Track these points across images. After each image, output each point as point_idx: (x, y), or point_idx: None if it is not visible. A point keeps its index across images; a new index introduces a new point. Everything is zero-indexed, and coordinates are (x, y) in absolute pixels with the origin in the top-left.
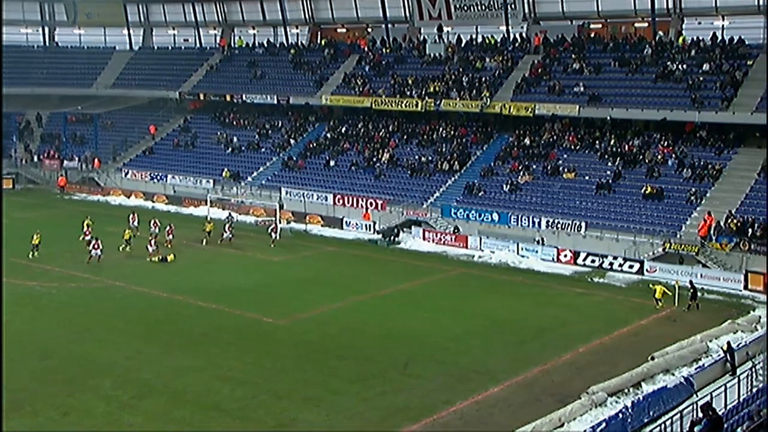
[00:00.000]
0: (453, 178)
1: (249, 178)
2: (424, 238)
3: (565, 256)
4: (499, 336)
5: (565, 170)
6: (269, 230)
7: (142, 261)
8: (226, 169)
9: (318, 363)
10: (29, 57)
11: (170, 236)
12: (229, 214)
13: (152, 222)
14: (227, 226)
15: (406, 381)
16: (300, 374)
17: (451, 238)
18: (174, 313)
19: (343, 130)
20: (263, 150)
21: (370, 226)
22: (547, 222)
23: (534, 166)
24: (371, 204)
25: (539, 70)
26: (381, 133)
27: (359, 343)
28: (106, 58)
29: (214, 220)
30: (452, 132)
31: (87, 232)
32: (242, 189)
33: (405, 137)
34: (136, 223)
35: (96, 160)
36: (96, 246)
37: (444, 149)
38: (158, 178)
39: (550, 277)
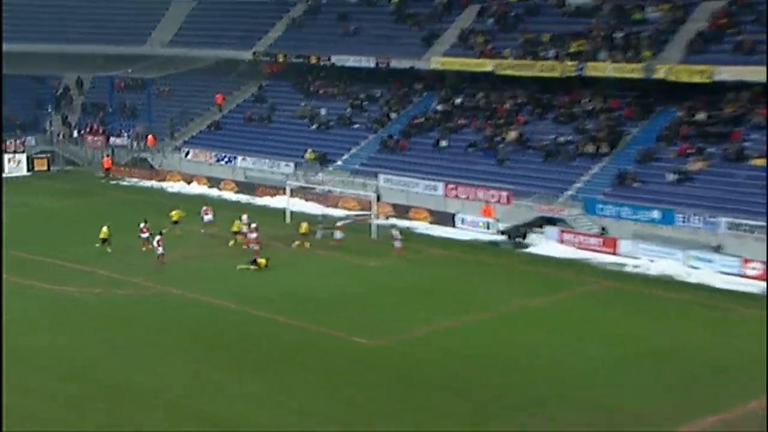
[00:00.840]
0: (600, 165)
1: (338, 162)
2: (560, 241)
3: (754, 268)
4: (659, 372)
5: (754, 155)
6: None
7: (204, 263)
8: (309, 150)
9: (422, 398)
10: (67, 8)
11: (255, 234)
12: (323, 216)
13: (243, 219)
14: (320, 226)
15: (537, 425)
16: (399, 412)
17: (597, 242)
18: (243, 329)
19: (458, 101)
20: (356, 126)
21: (490, 224)
22: (728, 223)
23: (710, 150)
24: (492, 196)
25: (721, 22)
26: (506, 106)
27: (476, 374)
28: (161, 10)
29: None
30: (600, 104)
31: (144, 229)
32: (330, 175)
33: (537, 111)
34: (210, 216)
35: (149, 137)
36: (159, 243)
37: (589, 126)
38: (226, 159)
39: (732, 295)
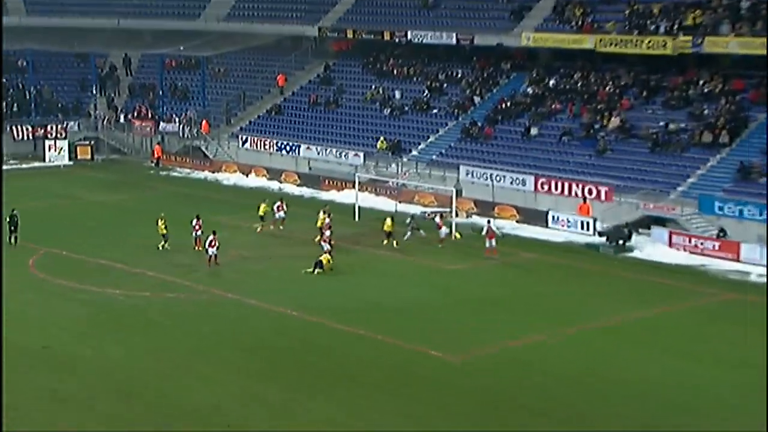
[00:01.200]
0: (719, 156)
1: (414, 152)
2: (670, 245)
3: None
4: None
5: None
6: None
7: (265, 266)
8: (382, 138)
9: (512, 423)
10: None
11: (328, 231)
12: (413, 216)
13: (323, 213)
14: (410, 227)
15: None
16: None
17: (714, 246)
18: (307, 341)
19: (552, 83)
20: (435, 111)
21: (588, 224)
22: None
23: None
24: (591, 192)
25: None
26: (608, 89)
27: (569, 396)
28: None
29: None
30: (720, 86)
31: (196, 226)
32: (405, 167)
33: (644, 94)
34: (282, 214)
35: (203, 123)
36: (213, 243)
37: (705, 112)
38: (288, 148)
39: None
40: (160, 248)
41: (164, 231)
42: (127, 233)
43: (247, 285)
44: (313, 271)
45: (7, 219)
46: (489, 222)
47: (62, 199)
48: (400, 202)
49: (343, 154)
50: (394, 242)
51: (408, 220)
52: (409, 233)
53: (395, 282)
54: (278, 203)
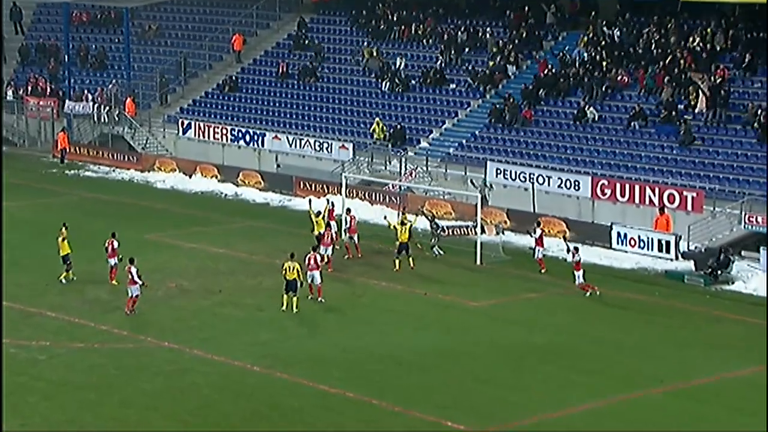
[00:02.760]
0: None
1: (424, 143)
2: None
3: None
4: None
5: None
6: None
7: (210, 303)
8: (378, 122)
9: None
10: None
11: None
12: (433, 220)
13: (327, 209)
14: (435, 239)
15: None
16: None
17: None
18: (272, 404)
19: (617, 45)
20: (453, 86)
21: (668, 243)
22: None
23: None
24: (672, 199)
25: None
26: (696, 48)
27: None
28: None
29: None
30: None
31: (111, 250)
32: (410, 164)
33: (747, 60)
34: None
35: (128, 102)
36: (130, 277)
37: None
38: (247, 138)
39: None
40: (63, 280)
41: (67, 251)
42: (19, 257)
43: (190, 329)
44: (288, 304)
45: None
46: (575, 250)
47: None
48: (403, 212)
49: (326, 146)
50: (410, 261)
51: (432, 230)
52: (436, 248)
53: (397, 323)
54: (330, 207)
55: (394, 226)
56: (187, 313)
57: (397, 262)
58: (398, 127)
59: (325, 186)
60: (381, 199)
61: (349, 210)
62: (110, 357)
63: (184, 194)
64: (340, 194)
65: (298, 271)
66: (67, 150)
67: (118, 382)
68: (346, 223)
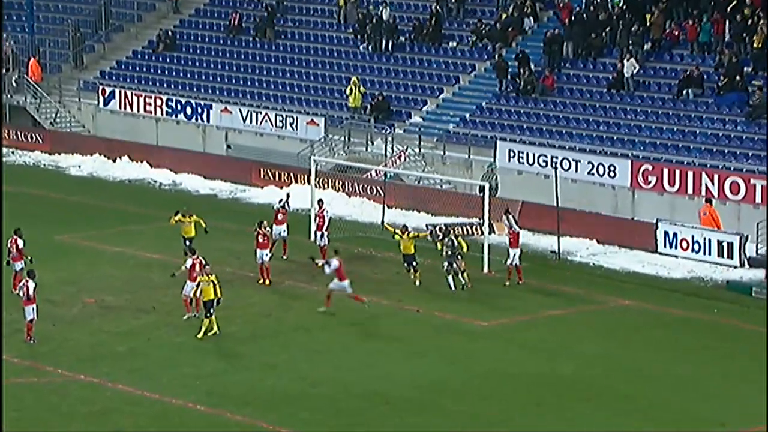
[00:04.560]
0: None
1: (415, 117)
2: None
3: None
4: None
5: None
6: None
7: (140, 323)
8: (355, 83)
9: None
10: None
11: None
12: (447, 230)
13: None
14: (445, 247)
15: None
16: None
17: None
18: None
19: None
20: (453, 44)
21: (729, 246)
22: None
23: None
24: (735, 188)
25: None
26: None
27: None
28: None
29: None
30: None
31: (14, 252)
32: (398, 144)
33: None
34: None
35: (32, 63)
36: (25, 295)
37: None
38: (188, 111)
39: None
40: None
41: None
42: None
43: (114, 357)
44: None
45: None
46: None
47: None
48: (389, 206)
49: (289, 121)
50: (415, 277)
51: (431, 230)
52: (446, 262)
53: (384, 349)
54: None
55: (397, 233)
56: (109, 337)
57: (413, 275)
58: (382, 96)
59: (288, 173)
60: (360, 190)
61: (321, 203)
62: (9, 395)
63: (106, 183)
64: (309, 183)
65: (216, 286)
66: None
67: (21, 428)
68: (316, 220)
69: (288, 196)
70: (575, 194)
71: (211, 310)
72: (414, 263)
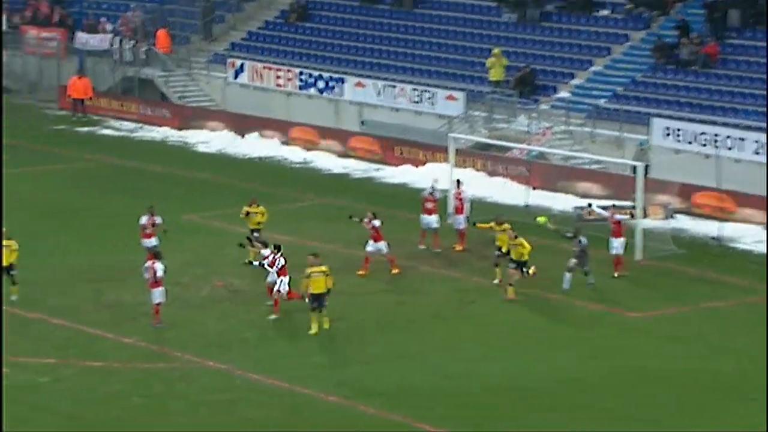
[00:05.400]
0: None
1: (562, 92)
2: None
3: None
4: None
5: None
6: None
7: (267, 309)
8: (497, 54)
9: None
10: None
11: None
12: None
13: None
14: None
15: None
16: None
17: None
18: None
19: None
20: (605, 12)
21: None
22: None
23: None
24: None
25: None
26: None
27: None
28: None
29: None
30: None
31: (148, 229)
32: (543, 121)
33: None
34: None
35: (160, 34)
36: (152, 273)
37: None
38: (322, 84)
39: None
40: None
41: (13, 258)
42: (22, 245)
43: (242, 344)
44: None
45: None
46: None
47: None
48: (534, 187)
49: (427, 96)
50: (530, 270)
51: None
52: (573, 260)
53: (524, 341)
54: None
55: (493, 226)
56: (238, 323)
57: (498, 271)
58: (527, 69)
59: (425, 151)
60: (503, 171)
61: (459, 183)
62: (135, 381)
63: (234, 160)
64: (447, 162)
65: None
66: (81, 100)
67: (146, 416)
68: (453, 202)
69: (436, 182)
70: (739, 175)
71: (324, 303)
72: (518, 263)
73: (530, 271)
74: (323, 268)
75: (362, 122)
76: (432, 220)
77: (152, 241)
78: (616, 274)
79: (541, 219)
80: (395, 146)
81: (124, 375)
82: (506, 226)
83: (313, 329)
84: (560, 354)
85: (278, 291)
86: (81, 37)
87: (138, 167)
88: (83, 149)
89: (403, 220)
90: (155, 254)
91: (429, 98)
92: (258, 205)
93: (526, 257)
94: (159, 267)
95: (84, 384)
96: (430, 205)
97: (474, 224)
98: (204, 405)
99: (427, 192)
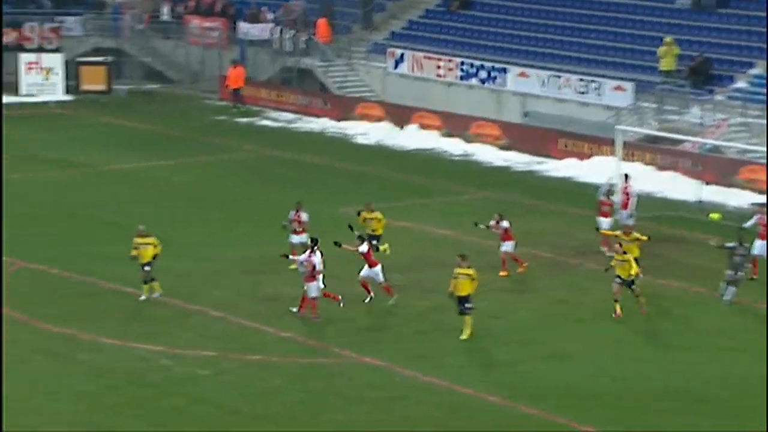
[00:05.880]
0: None
1: (739, 82)
2: None
3: None
4: None
5: None
6: None
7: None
8: (669, 44)
9: None
10: None
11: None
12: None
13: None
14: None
15: None
16: None
17: None
18: None
19: None
20: None
21: None
22: None
23: None
24: None
25: None
26: None
27: None
28: None
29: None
30: None
31: (296, 225)
32: (719, 111)
33: None
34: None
35: (320, 24)
36: (310, 270)
37: None
38: (484, 74)
39: None
40: (144, 297)
41: (149, 258)
42: (175, 237)
43: (401, 340)
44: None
45: None
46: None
47: (52, 167)
48: (707, 183)
49: (593, 86)
50: (637, 292)
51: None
52: (732, 271)
53: (695, 343)
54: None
55: (618, 235)
56: (397, 320)
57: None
58: (701, 58)
59: (591, 144)
60: (673, 164)
61: (626, 178)
62: (294, 376)
63: (394, 152)
64: (613, 155)
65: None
66: (239, 90)
67: (304, 411)
68: (619, 197)
69: (611, 185)
70: None
71: (468, 307)
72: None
73: (637, 294)
74: (470, 271)
75: (525, 113)
76: (608, 222)
77: (301, 238)
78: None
79: (714, 216)
80: (559, 138)
81: (282, 369)
82: (636, 235)
83: (465, 334)
84: (734, 357)
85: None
86: (243, 26)
87: (296, 158)
88: (242, 140)
89: (567, 215)
90: (313, 248)
91: (596, 88)
92: (372, 210)
93: (632, 277)
94: (317, 260)
95: (243, 378)
96: (606, 208)
97: (597, 230)
98: (362, 402)
99: (602, 193)
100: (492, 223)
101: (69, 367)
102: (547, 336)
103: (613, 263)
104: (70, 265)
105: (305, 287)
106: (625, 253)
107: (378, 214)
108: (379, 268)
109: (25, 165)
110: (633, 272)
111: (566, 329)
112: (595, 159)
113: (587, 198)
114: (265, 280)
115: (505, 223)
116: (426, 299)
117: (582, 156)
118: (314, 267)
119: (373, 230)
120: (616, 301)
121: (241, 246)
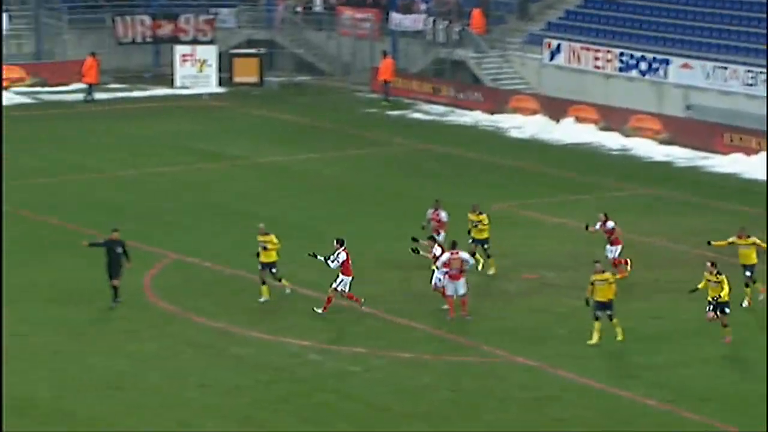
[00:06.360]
0: None
1: None
2: None
3: None
4: None
5: None
6: None
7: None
8: None
9: None
10: None
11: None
12: None
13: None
14: None
15: None
16: None
17: None
18: None
19: None
20: None
21: None
22: None
23: None
24: None
25: None
26: None
27: None
28: None
29: None
30: None
31: (436, 224)
32: None
33: None
34: None
35: (476, 13)
36: (454, 266)
37: None
38: (644, 66)
39: None
40: (262, 299)
41: (273, 256)
42: (324, 229)
43: (555, 340)
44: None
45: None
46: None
47: (204, 159)
48: None
49: (762, 77)
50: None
51: None
52: None
53: None
54: None
55: (733, 240)
56: (550, 318)
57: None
58: None
59: (759, 139)
60: None
61: None
62: (445, 374)
63: (549, 146)
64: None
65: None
66: (390, 82)
67: (456, 410)
68: None
69: None
70: None
71: (610, 312)
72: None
73: (723, 320)
74: (607, 275)
75: (688, 106)
76: None
77: (440, 237)
78: None
79: None
80: (724, 133)
81: (433, 367)
82: (755, 239)
83: (594, 339)
84: None
85: (335, 289)
86: (395, 17)
87: (448, 152)
88: (393, 133)
89: (732, 212)
90: (453, 245)
91: (764, 80)
92: (480, 213)
93: (724, 298)
94: (465, 257)
95: (393, 375)
96: None
97: (708, 243)
98: (514, 402)
99: None
100: (598, 225)
101: (220, 360)
102: (712, 338)
103: (702, 285)
104: (221, 258)
105: (452, 286)
106: (719, 273)
107: (484, 217)
108: (463, 281)
109: (175, 157)
110: (723, 294)
111: (732, 332)
112: (763, 155)
113: (756, 195)
114: (415, 275)
115: (610, 224)
116: (580, 298)
117: (749, 151)
118: (461, 263)
119: (480, 233)
120: (725, 326)
121: (391, 240)
